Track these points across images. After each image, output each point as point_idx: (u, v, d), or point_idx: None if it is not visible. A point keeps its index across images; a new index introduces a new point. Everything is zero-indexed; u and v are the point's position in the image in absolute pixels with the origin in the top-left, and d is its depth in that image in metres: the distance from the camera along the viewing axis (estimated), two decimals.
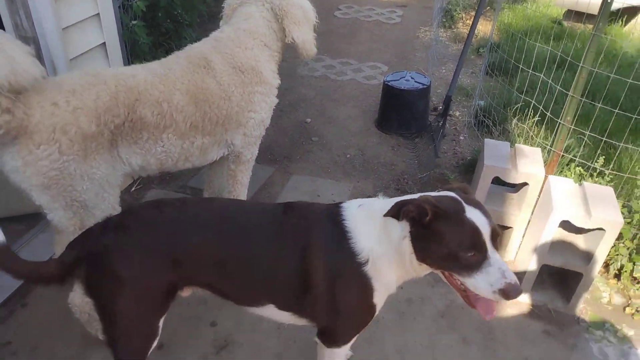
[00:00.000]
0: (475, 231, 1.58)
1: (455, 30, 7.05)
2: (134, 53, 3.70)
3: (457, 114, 4.97)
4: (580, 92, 2.96)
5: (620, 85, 3.46)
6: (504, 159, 3.05)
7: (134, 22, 3.62)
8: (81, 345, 2.54)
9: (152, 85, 2.34)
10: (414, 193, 3.85)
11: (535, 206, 3.02)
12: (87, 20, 3.04)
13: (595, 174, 3.29)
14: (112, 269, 1.74)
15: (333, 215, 1.84)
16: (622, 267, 3.00)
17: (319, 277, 1.78)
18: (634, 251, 2.95)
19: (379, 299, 1.88)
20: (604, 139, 3.17)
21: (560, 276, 3.00)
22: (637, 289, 2.95)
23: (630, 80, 3.04)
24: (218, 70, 2.57)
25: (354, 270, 1.77)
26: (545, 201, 2.82)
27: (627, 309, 2.93)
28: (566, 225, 2.77)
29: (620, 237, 2.92)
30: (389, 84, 4.52)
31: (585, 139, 3.46)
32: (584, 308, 2.94)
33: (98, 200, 2.25)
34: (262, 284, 1.88)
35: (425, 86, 4.48)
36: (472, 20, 4.47)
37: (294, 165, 4.13)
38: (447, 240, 1.60)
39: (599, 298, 3.01)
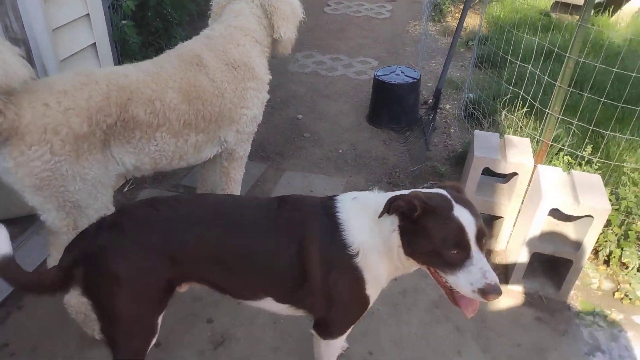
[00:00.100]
0: (460, 230, 1.62)
1: (444, 24, 7.08)
2: (124, 53, 3.70)
3: (448, 107, 5.00)
4: (567, 82, 3.01)
5: (607, 75, 3.51)
6: (493, 149, 3.09)
7: (123, 21, 3.62)
8: (79, 345, 2.56)
9: (145, 84, 2.34)
10: (406, 186, 3.91)
11: (525, 195, 3.06)
12: (77, 20, 3.04)
13: (583, 162, 3.34)
14: (109, 269, 1.74)
15: (327, 208, 1.87)
16: (610, 253, 3.05)
17: (314, 269, 1.81)
18: (622, 237, 3.00)
19: (372, 290, 1.90)
20: (592, 127, 3.22)
21: (551, 264, 3.05)
22: (626, 274, 3.00)
23: (615, 70, 3.09)
24: (211, 67, 2.58)
25: (346, 262, 1.80)
26: (535, 190, 2.86)
27: (616, 294, 2.99)
28: (556, 213, 2.81)
29: (608, 223, 2.97)
30: (379, 78, 4.54)
31: (573, 128, 3.50)
32: (575, 294, 2.99)
33: (91, 200, 2.26)
34: (259, 278, 1.91)
35: (415, 80, 4.52)
36: (461, 13, 4.50)
37: (287, 162, 4.15)
38: (433, 237, 1.64)
39: (589, 284, 3.06)
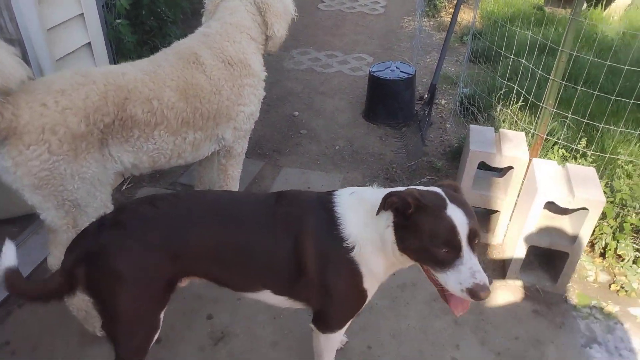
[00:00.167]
0: (452, 229, 1.63)
1: (438, 19, 7.10)
2: (119, 51, 3.69)
3: (443, 102, 5.02)
4: (560, 76, 3.03)
5: (601, 69, 3.54)
6: (489, 144, 3.11)
7: (118, 20, 3.61)
8: (80, 343, 2.57)
9: (142, 83, 2.35)
10: (402, 181, 3.92)
11: (520, 189, 3.08)
12: (72, 20, 3.04)
13: (578, 155, 3.37)
14: (111, 267, 1.75)
15: (325, 202, 1.89)
16: (606, 245, 3.08)
17: (311, 262, 1.83)
18: (617, 230, 3.03)
19: (369, 285, 1.92)
20: (585, 120, 3.24)
21: (548, 257, 3.08)
22: (622, 267, 3.03)
23: (607, 63, 3.11)
24: (208, 65, 2.59)
25: (342, 256, 1.82)
26: (530, 184, 2.89)
27: (612, 286, 3.02)
28: (551, 206, 2.84)
29: (604, 216, 3.00)
30: (374, 74, 4.56)
31: (567, 121, 3.53)
32: (571, 287, 3.02)
33: (90, 198, 2.27)
34: (258, 271, 1.92)
35: (410, 76, 4.53)
36: (454, 8, 4.51)
37: (284, 159, 4.16)
38: (424, 234, 1.65)
39: (585, 276, 3.09)
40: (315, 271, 1.84)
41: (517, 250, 2.94)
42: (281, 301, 2.01)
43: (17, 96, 2.02)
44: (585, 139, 3.35)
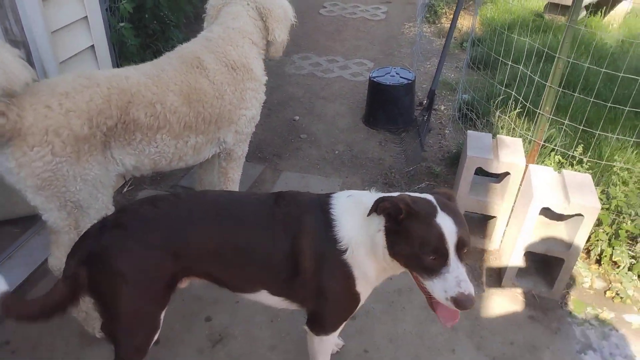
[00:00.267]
0: (440, 236, 1.65)
1: (439, 25, 7.14)
2: (122, 55, 3.72)
3: (442, 108, 5.06)
4: (557, 83, 3.06)
5: (600, 76, 3.57)
6: (486, 149, 3.14)
7: (121, 24, 3.64)
8: (79, 343, 2.59)
9: (145, 87, 2.38)
10: (401, 187, 3.95)
11: (517, 195, 3.11)
12: (76, 23, 3.07)
13: (574, 162, 3.39)
14: (113, 267, 1.78)
15: (322, 204, 1.92)
16: (602, 252, 3.10)
17: (307, 262, 1.86)
18: (613, 236, 3.06)
19: (362, 288, 1.95)
20: (582, 127, 3.27)
21: (544, 263, 3.10)
22: (617, 273, 3.06)
23: (603, 70, 3.14)
24: (211, 69, 2.62)
25: (336, 257, 1.85)
26: (526, 190, 2.91)
27: (608, 293, 3.04)
28: (547, 212, 2.86)
29: (599, 223, 3.03)
30: (374, 80, 4.59)
31: (564, 127, 3.56)
32: (567, 293, 3.04)
33: (92, 200, 2.30)
34: (256, 270, 1.95)
35: (410, 81, 4.57)
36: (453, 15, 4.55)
37: (284, 163, 4.19)
38: (413, 240, 1.68)
39: (581, 283, 3.11)
40: (311, 271, 1.87)
41: (514, 256, 2.96)
42: (278, 302, 2.04)
43: (22, 98, 2.04)
44: (582, 145, 3.38)
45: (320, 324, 2.07)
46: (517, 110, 3.94)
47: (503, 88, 3.88)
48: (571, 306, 2.97)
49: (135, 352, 1.95)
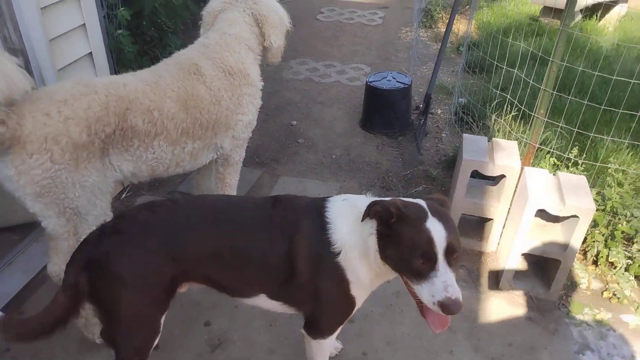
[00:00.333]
0: (429, 241, 1.66)
1: (435, 30, 7.18)
2: (120, 62, 3.75)
3: (439, 111, 5.09)
4: (551, 86, 3.08)
5: (595, 79, 3.61)
6: (482, 152, 3.16)
7: (119, 31, 3.67)
8: (79, 350, 2.60)
9: (143, 94, 2.39)
10: (398, 190, 3.97)
11: (513, 197, 3.13)
12: (74, 30, 3.10)
13: (570, 164, 3.42)
14: (112, 273, 1.79)
15: (318, 207, 1.94)
16: (598, 253, 3.12)
17: (303, 265, 1.88)
18: (609, 237, 3.08)
19: (357, 292, 1.96)
20: (577, 130, 3.30)
21: (541, 264, 3.12)
22: (614, 274, 3.07)
23: (597, 73, 3.18)
24: (208, 75, 2.64)
25: (330, 260, 1.87)
26: (522, 192, 2.94)
27: (605, 293, 3.06)
28: (543, 214, 2.89)
29: (595, 224, 3.05)
30: (371, 84, 4.62)
31: (559, 130, 3.58)
32: (564, 294, 3.06)
33: (90, 206, 2.31)
34: (254, 274, 1.97)
35: (406, 86, 4.60)
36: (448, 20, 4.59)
37: (282, 167, 4.21)
38: (403, 244, 1.70)
39: (578, 284, 3.13)
40: (307, 274, 1.89)
41: (511, 258, 2.98)
42: (276, 306, 2.05)
43: (21, 106, 2.06)
44: (577, 147, 3.41)
45: (317, 328, 2.08)
46: (513, 113, 3.97)
47: (499, 92, 3.91)
48: (569, 307, 2.98)
49: (136, 356, 1.96)
